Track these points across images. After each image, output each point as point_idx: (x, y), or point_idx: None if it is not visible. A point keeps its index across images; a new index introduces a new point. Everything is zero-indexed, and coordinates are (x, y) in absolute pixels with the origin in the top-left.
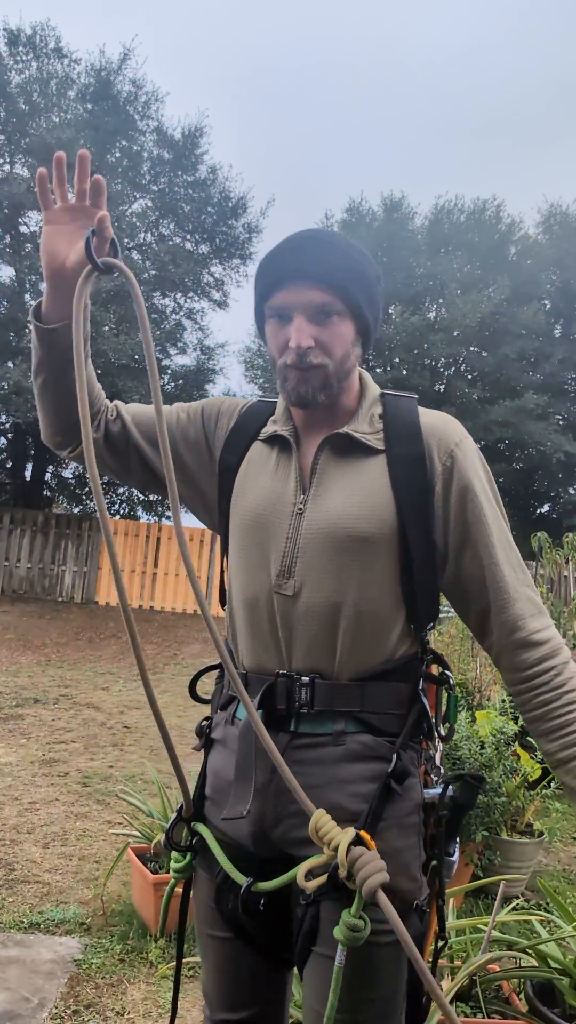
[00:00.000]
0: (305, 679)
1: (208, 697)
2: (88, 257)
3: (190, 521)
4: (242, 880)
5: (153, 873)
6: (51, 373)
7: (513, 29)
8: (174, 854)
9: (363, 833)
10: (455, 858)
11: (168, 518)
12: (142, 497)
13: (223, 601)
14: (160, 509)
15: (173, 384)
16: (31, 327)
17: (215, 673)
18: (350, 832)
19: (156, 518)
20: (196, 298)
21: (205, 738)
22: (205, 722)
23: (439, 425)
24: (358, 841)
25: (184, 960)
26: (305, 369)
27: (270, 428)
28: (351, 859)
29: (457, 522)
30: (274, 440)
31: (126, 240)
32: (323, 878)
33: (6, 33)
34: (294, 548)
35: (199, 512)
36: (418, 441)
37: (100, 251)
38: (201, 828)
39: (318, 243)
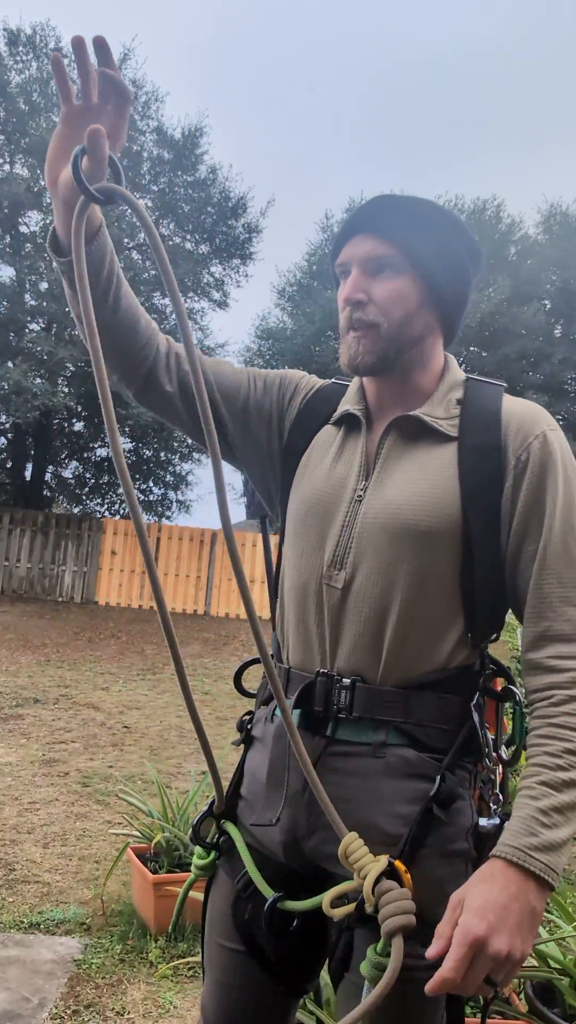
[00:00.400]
0: (346, 681)
1: (254, 691)
2: (77, 183)
3: (190, 521)
4: (269, 893)
5: (153, 873)
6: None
7: (513, 29)
8: (198, 850)
9: (398, 863)
10: None
11: (169, 518)
12: (142, 497)
13: (274, 593)
14: (160, 509)
15: None
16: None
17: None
18: (382, 862)
19: (156, 518)
20: (196, 298)
21: (245, 733)
22: (247, 716)
23: (521, 414)
24: (391, 871)
25: (184, 960)
26: (358, 327)
27: (341, 409)
28: (378, 893)
29: (522, 522)
30: (343, 420)
31: (126, 240)
32: (351, 906)
33: (6, 33)
34: (348, 538)
35: (260, 489)
36: (495, 430)
37: (96, 176)
38: (231, 828)
39: (387, 198)
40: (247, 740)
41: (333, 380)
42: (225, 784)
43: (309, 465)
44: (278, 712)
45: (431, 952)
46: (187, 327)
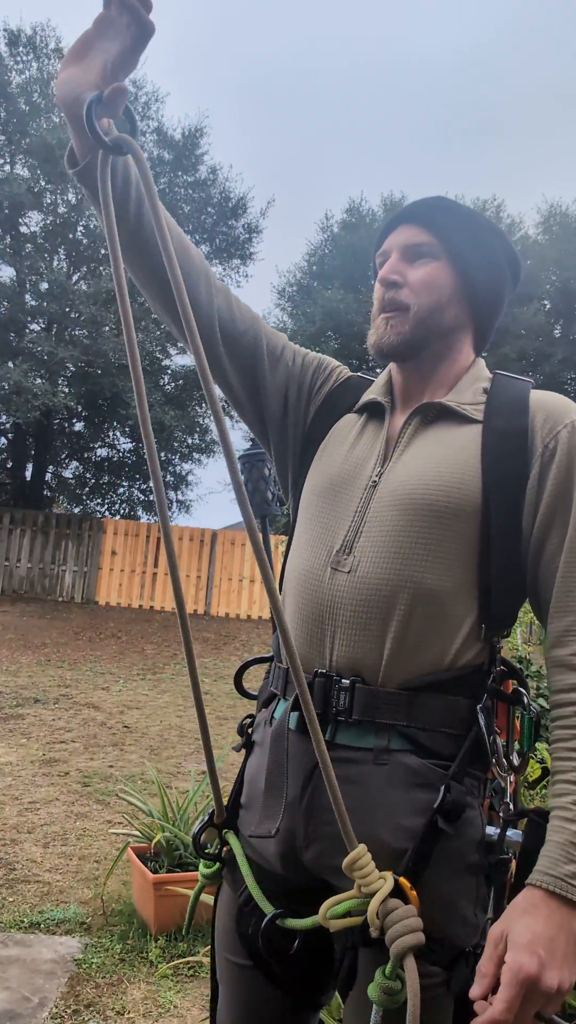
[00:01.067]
0: (345, 681)
1: (255, 693)
2: (90, 132)
3: (190, 521)
4: (268, 910)
5: (153, 873)
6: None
7: (513, 29)
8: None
9: (403, 881)
10: None
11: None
12: (142, 497)
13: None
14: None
15: (173, 384)
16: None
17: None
18: (388, 882)
19: (156, 518)
20: None
21: (246, 738)
22: (247, 720)
23: (551, 401)
24: (397, 890)
25: (184, 960)
26: (389, 309)
27: (365, 397)
28: (383, 913)
29: (547, 511)
30: (366, 408)
31: None
32: (351, 920)
33: (6, 33)
34: (360, 522)
35: (279, 465)
36: (522, 415)
37: (105, 126)
38: (232, 839)
39: (438, 197)
40: (247, 745)
41: (359, 374)
42: (225, 793)
43: (326, 451)
44: (277, 714)
45: (475, 993)
46: (179, 282)
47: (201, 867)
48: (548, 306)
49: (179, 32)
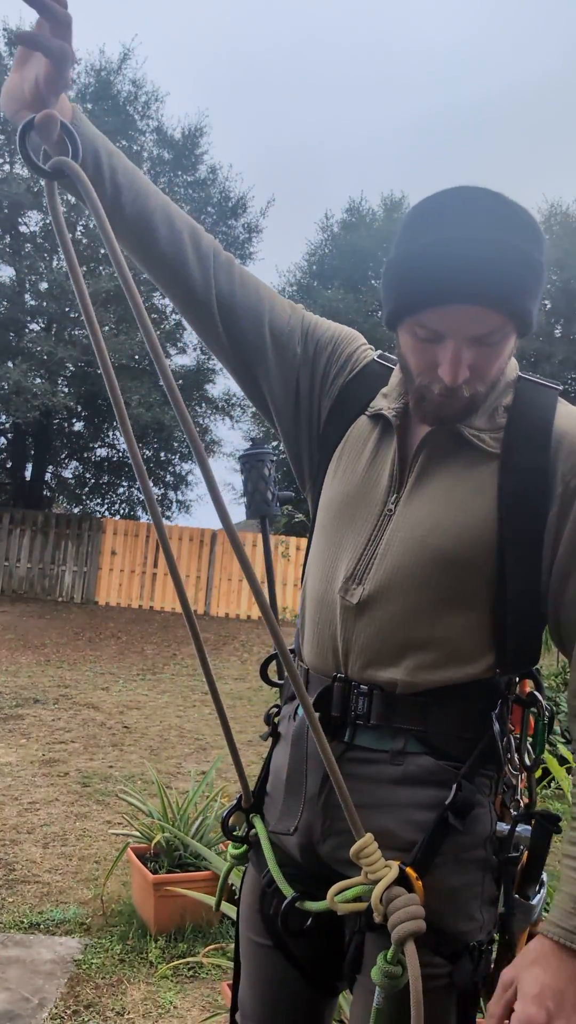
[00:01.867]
0: (364, 687)
1: (280, 681)
2: (26, 161)
3: (189, 521)
4: (288, 892)
5: (153, 873)
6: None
7: (514, 29)
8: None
9: (409, 870)
10: (535, 902)
11: (169, 518)
12: (142, 497)
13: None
14: (159, 509)
15: None
16: None
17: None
18: (393, 870)
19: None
20: None
21: (272, 727)
22: (274, 709)
23: (573, 431)
24: (402, 879)
25: (184, 960)
26: (454, 399)
27: (379, 403)
28: (386, 899)
29: (568, 552)
30: (379, 418)
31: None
32: (358, 904)
33: (6, 33)
34: (372, 554)
35: (291, 451)
36: (543, 451)
37: (52, 147)
38: (257, 822)
39: (478, 243)
40: (274, 734)
41: (380, 360)
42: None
43: (343, 461)
44: (298, 712)
45: None
46: (140, 307)
47: (230, 848)
48: (548, 306)
49: (179, 32)
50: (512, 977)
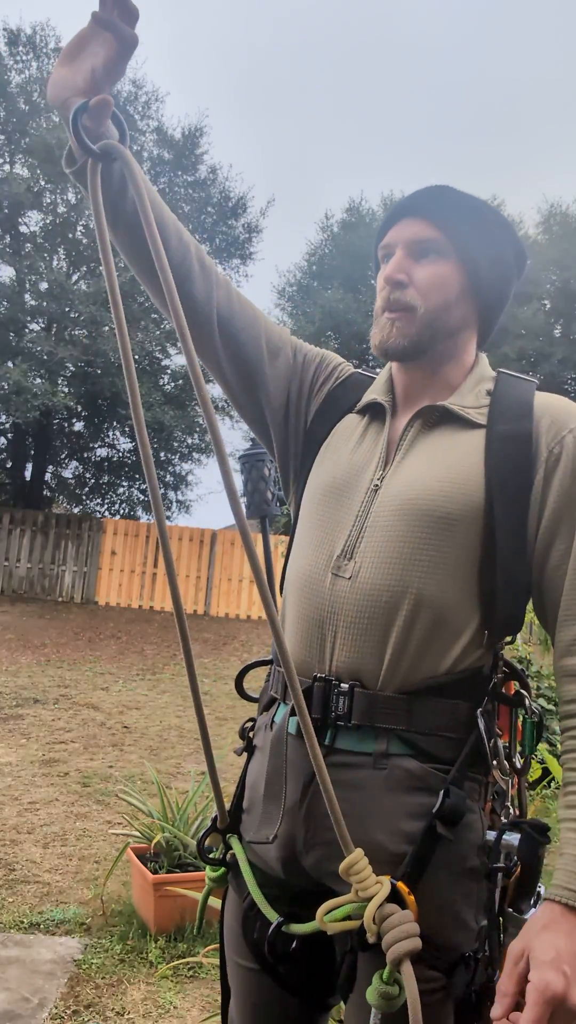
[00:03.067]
0: (344, 686)
1: (256, 695)
2: (77, 142)
3: (189, 521)
4: (273, 916)
5: (153, 873)
6: (119, 235)
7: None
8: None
9: (401, 886)
10: (528, 916)
11: (169, 518)
12: (142, 497)
13: (283, 589)
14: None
15: (173, 384)
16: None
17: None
18: (385, 887)
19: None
20: None
21: (247, 742)
22: (249, 723)
23: (556, 406)
24: (394, 894)
25: (184, 960)
26: (394, 309)
27: (367, 398)
28: (379, 918)
29: (552, 518)
30: (367, 409)
31: None
32: (349, 923)
33: (6, 33)
34: (361, 527)
35: (281, 463)
36: (527, 419)
37: (96, 133)
38: (235, 844)
39: (441, 187)
40: (249, 749)
41: (362, 372)
42: (227, 796)
43: (328, 453)
44: (277, 718)
45: (495, 1013)
46: (169, 279)
47: (208, 871)
48: (548, 306)
49: (179, 32)
50: (523, 948)
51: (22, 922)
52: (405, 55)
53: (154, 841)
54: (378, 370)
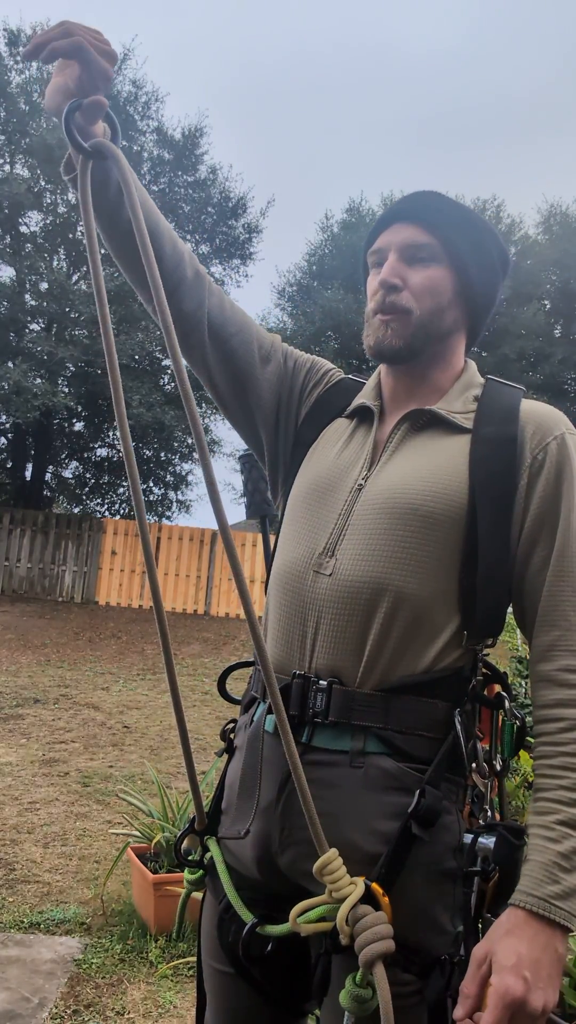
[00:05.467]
0: (322, 683)
1: (239, 697)
2: (69, 140)
3: (189, 521)
4: (248, 917)
5: (153, 873)
6: (107, 231)
7: (514, 30)
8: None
9: (375, 887)
10: None
11: (169, 518)
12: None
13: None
14: (160, 509)
15: (173, 384)
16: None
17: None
18: (358, 888)
19: (156, 518)
20: None
21: (228, 743)
22: (229, 725)
23: (541, 412)
24: (368, 896)
25: (184, 960)
26: (388, 311)
27: (356, 402)
28: (352, 919)
29: (534, 524)
30: (356, 413)
31: None
32: (323, 925)
33: (6, 33)
34: (343, 525)
35: (270, 466)
36: (512, 424)
37: (88, 132)
38: (212, 846)
39: (430, 193)
40: (230, 750)
41: (351, 376)
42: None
43: (315, 454)
44: (255, 717)
45: (458, 1014)
46: (156, 276)
47: (186, 873)
48: (548, 306)
49: (179, 32)
50: (486, 951)
51: (22, 922)
52: (405, 55)
53: (154, 841)
54: (369, 375)
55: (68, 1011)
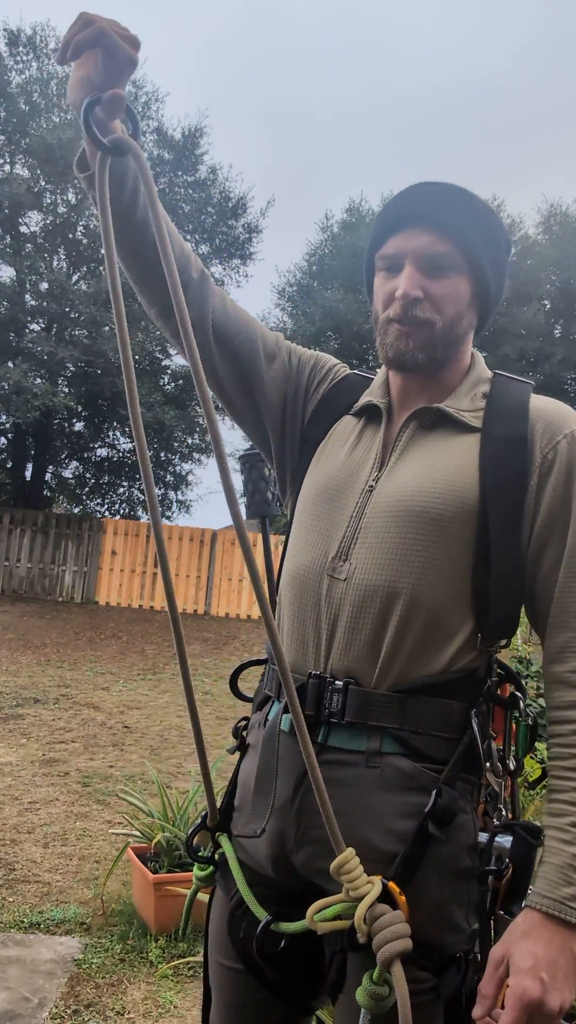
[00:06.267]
0: (339, 683)
1: (251, 695)
2: (88, 135)
3: (189, 521)
4: (262, 915)
5: (153, 873)
6: (123, 234)
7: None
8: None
9: (392, 885)
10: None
11: (169, 518)
12: (142, 497)
13: (275, 590)
14: (160, 509)
15: (173, 384)
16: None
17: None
18: (376, 887)
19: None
20: None
21: (240, 741)
22: (242, 722)
23: (550, 410)
24: (385, 894)
25: (184, 960)
26: (409, 324)
27: (363, 400)
28: (370, 918)
29: (545, 523)
30: (363, 411)
31: None
32: (340, 923)
33: (6, 33)
34: (356, 528)
35: (278, 468)
36: (522, 422)
37: (107, 127)
38: (224, 842)
39: (441, 189)
40: (242, 747)
41: (358, 372)
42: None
43: (324, 454)
44: (270, 716)
45: (476, 1014)
46: (175, 275)
47: (195, 870)
48: (548, 306)
49: (179, 32)
50: (503, 953)
51: (22, 922)
52: (405, 55)
53: (154, 841)
54: (376, 371)
55: (68, 1011)
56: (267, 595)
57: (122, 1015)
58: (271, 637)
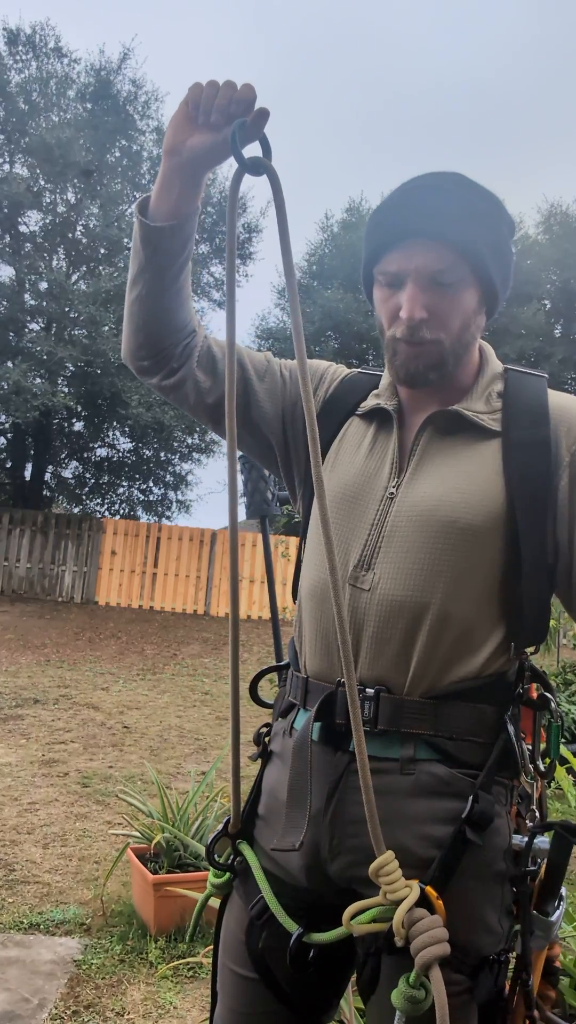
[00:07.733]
0: (369, 691)
1: (270, 701)
2: (234, 153)
3: (189, 521)
4: (292, 927)
5: (153, 873)
6: (150, 283)
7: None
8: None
9: (429, 890)
10: (554, 918)
11: (169, 518)
12: (142, 497)
13: (296, 594)
14: (160, 509)
15: None
16: (135, 224)
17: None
18: (414, 892)
19: (156, 518)
20: (196, 298)
21: (263, 747)
22: (264, 729)
23: (572, 408)
24: (423, 899)
25: (184, 960)
26: (417, 344)
27: (371, 402)
28: (408, 922)
29: None
30: (374, 415)
31: (125, 240)
32: (379, 925)
33: (6, 33)
34: (378, 537)
35: (286, 477)
36: (543, 424)
37: (252, 140)
38: (246, 850)
39: (439, 191)
40: (264, 755)
41: (360, 370)
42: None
43: (338, 459)
44: (297, 725)
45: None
46: (295, 300)
47: (211, 876)
48: (548, 306)
49: (179, 32)
50: None
51: (22, 922)
52: (405, 55)
53: (154, 841)
54: (378, 370)
55: (68, 1012)
56: (269, 596)
57: (122, 1016)
58: (343, 644)
